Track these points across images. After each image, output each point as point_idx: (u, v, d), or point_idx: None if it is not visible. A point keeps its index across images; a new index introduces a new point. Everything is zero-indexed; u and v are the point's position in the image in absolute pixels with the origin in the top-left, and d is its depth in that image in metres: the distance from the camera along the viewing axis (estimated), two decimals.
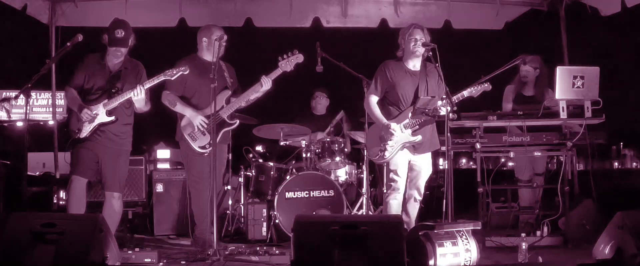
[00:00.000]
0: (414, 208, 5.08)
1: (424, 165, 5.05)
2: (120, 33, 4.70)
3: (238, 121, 5.21)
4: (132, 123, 4.93)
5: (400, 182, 4.95)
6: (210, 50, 5.04)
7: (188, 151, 5.13)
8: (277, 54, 5.09)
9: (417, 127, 4.90)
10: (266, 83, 5.04)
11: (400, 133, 4.88)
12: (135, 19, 5.28)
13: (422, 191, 5.11)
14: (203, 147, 5.05)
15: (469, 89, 4.93)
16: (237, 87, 5.27)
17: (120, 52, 4.75)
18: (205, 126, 5.02)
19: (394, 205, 4.96)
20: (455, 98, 4.82)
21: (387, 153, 4.90)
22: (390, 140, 4.88)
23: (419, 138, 4.90)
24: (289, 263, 3.57)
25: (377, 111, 5.00)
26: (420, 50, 4.89)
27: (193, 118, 5.05)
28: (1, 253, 3.38)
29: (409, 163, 5.00)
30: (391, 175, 4.96)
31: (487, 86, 4.96)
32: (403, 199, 5.03)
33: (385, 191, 5.18)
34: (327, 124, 6.31)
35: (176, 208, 6.29)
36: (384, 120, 4.91)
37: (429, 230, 3.98)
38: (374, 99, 5.05)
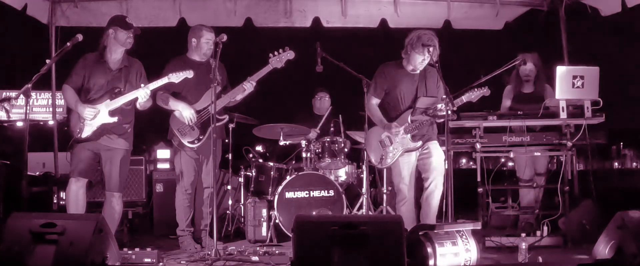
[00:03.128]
0: (436, 199, 4.95)
1: (433, 147, 4.98)
2: (129, 19, 4.78)
3: (227, 116, 5.32)
4: (133, 121, 4.92)
5: (407, 188, 4.94)
6: (198, 51, 5.20)
7: (178, 147, 5.23)
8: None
9: (417, 131, 4.90)
10: (249, 88, 5.07)
11: (402, 137, 4.88)
12: (135, 19, 5.29)
13: (443, 171, 4.83)
14: (192, 142, 5.11)
15: (467, 94, 4.91)
16: (226, 84, 5.32)
17: (131, 39, 4.75)
18: (195, 120, 5.07)
19: (404, 212, 4.94)
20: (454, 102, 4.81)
21: (389, 159, 4.90)
22: (392, 144, 4.88)
23: (419, 144, 4.90)
24: (289, 263, 3.57)
25: (378, 113, 5.00)
26: (422, 66, 4.93)
27: (184, 111, 5.08)
28: (1, 253, 3.38)
29: (417, 158, 4.98)
30: (397, 182, 4.95)
31: (485, 90, 4.95)
32: (426, 190, 4.98)
33: (385, 192, 5.18)
34: (326, 124, 6.30)
35: None
36: (386, 122, 4.91)
37: (429, 230, 3.98)
38: (374, 101, 5.05)
